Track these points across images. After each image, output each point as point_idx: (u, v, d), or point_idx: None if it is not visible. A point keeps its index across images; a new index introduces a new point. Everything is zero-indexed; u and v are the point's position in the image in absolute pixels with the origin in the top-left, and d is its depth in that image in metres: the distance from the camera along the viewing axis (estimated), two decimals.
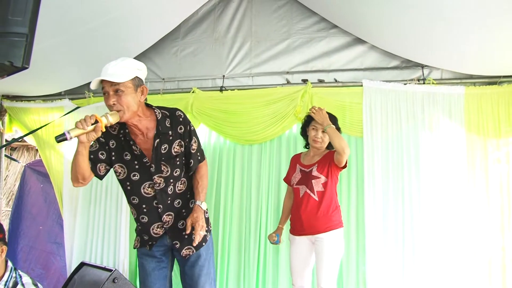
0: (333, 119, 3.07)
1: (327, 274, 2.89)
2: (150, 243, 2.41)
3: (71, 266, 4.16)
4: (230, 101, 3.99)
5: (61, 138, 1.93)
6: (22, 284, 2.53)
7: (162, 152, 2.27)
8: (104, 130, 2.06)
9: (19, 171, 7.19)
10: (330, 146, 3.09)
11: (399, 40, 3.61)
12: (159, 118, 2.27)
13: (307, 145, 3.25)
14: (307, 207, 3.01)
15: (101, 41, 3.74)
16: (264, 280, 3.81)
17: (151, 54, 4.34)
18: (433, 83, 3.61)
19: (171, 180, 2.31)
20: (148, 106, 2.31)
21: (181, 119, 2.32)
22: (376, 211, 3.51)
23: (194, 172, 2.43)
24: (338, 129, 3.06)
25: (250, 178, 3.91)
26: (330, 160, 3.00)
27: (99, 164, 2.28)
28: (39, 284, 2.63)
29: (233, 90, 4.00)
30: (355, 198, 3.70)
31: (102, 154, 2.29)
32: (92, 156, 2.25)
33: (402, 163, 3.55)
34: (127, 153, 2.29)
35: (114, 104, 2.11)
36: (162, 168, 2.28)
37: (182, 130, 2.31)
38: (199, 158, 2.42)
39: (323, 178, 3.00)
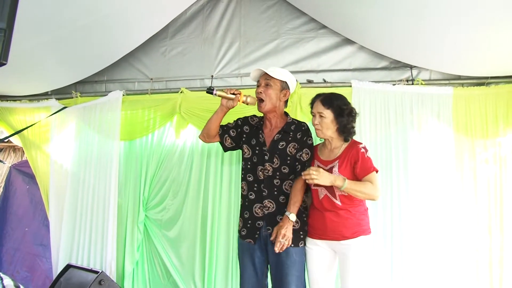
0: (340, 100, 2.70)
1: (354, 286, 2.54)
2: (248, 225, 2.74)
3: (57, 268, 4.11)
4: (219, 101, 3.90)
5: (210, 91, 2.59)
6: (3, 286, 2.48)
7: (279, 147, 2.70)
8: (240, 103, 2.64)
9: (5, 172, 7.09)
10: (346, 130, 2.69)
11: (388, 40, 3.61)
12: (289, 121, 2.80)
13: None
14: (330, 211, 2.65)
15: (88, 41, 3.71)
16: None
17: (139, 54, 4.32)
18: (421, 84, 3.61)
19: (278, 173, 2.69)
20: (286, 113, 2.88)
21: (303, 128, 2.79)
22: None
23: (295, 183, 2.71)
24: (351, 112, 2.70)
25: (238, 178, 3.86)
26: (355, 165, 2.62)
27: (226, 135, 2.86)
28: (21, 287, 2.58)
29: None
30: None
31: (233, 131, 2.87)
32: (225, 128, 2.88)
33: (391, 164, 3.55)
34: (254, 139, 2.78)
35: (260, 92, 2.71)
36: (274, 160, 2.69)
37: (300, 137, 2.74)
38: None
39: None
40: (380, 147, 3.58)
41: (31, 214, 4.89)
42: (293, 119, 2.84)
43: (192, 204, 4.00)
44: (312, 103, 2.77)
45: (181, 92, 4.03)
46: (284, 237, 2.45)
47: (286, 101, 2.84)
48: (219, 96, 2.61)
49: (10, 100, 4.60)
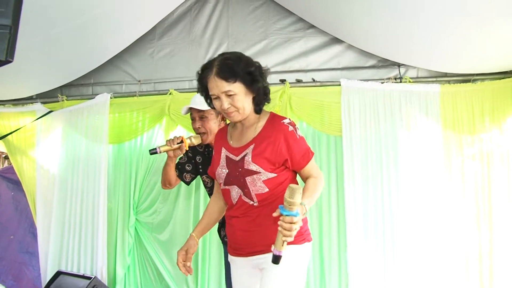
0: (243, 62, 1.87)
1: None
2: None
3: (46, 275, 4.05)
4: None
5: (153, 152, 2.49)
6: None
7: None
8: (187, 149, 2.58)
9: None
10: (261, 97, 1.95)
11: (376, 39, 3.64)
12: None
13: None
14: (244, 216, 1.95)
15: (74, 43, 3.65)
16: None
17: (126, 55, 4.28)
18: (409, 82, 3.66)
19: None
20: None
21: None
22: (356, 209, 3.53)
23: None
24: (260, 68, 1.92)
25: None
26: (279, 152, 1.89)
27: (185, 173, 2.83)
28: None
29: None
30: (335, 196, 3.71)
31: (188, 166, 2.84)
32: (180, 166, 2.83)
33: (381, 161, 3.59)
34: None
35: (199, 127, 2.64)
36: None
37: None
38: None
39: (264, 174, 1.88)
40: (370, 145, 3.61)
41: (16, 222, 4.78)
42: None
43: (183, 206, 3.99)
44: (202, 83, 1.94)
45: (169, 94, 4.00)
46: None
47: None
48: (164, 151, 2.54)
49: None
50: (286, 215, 1.62)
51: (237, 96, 1.84)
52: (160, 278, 3.99)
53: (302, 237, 1.92)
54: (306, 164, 1.93)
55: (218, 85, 1.83)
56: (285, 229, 1.63)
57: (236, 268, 2.07)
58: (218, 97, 1.86)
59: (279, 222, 1.65)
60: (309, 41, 3.94)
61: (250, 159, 1.89)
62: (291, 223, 1.62)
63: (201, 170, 2.81)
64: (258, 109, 1.97)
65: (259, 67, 1.92)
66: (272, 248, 1.69)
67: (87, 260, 3.97)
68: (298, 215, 1.63)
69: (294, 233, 1.64)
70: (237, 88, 1.83)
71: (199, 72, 1.94)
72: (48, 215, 4.20)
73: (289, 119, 1.96)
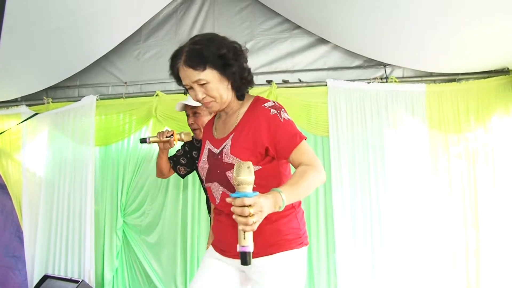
0: (213, 44, 1.63)
1: None
2: None
3: (33, 280, 4.01)
4: None
5: (143, 141, 2.61)
6: None
7: None
8: (176, 143, 2.64)
9: None
10: (240, 82, 1.74)
11: (362, 39, 3.66)
12: None
13: None
14: (229, 216, 1.52)
15: (60, 45, 3.63)
16: None
17: (112, 57, 4.25)
18: (395, 82, 3.68)
19: None
20: None
21: None
22: (344, 209, 3.54)
23: None
24: (235, 50, 1.67)
25: None
26: (262, 140, 1.66)
27: (179, 166, 2.88)
28: None
29: None
30: (323, 197, 3.72)
31: (183, 159, 2.88)
32: (175, 159, 2.88)
33: (368, 161, 3.60)
34: None
35: (192, 124, 2.72)
36: None
37: None
38: None
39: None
40: (357, 145, 3.63)
41: (2, 226, 4.72)
42: None
43: (172, 207, 3.98)
44: (175, 73, 1.73)
45: (156, 96, 3.98)
46: None
47: None
48: (153, 142, 2.63)
49: None
50: (236, 197, 1.38)
51: (210, 85, 1.64)
52: (148, 281, 3.97)
53: (300, 240, 1.74)
54: (293, 150, 1.64)
55: (188, 75, 1.63)
56: (238, 215, 1.37)
57: (219, 264, 1.81)
58: (191, 87, 1.68)
59: (231, 209, 1.40)
60: (295, 41, 3.95)
61: (228, 151, 1.68)
62: (242, 206, 1.36)
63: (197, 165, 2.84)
64: (239, 95, 1.78)
65: (233, 48, 1.68)
66: (237, 247, 1.43)
67: (75, 263, 3.93)
68: (252, 195, 1.37)
69: (252, 220, 1.36)
70: (209, 75, 1.63)
71: (169, 61, 1.74)
72: (35, 218, 4.16)
73: (273, 102, 1.74)
